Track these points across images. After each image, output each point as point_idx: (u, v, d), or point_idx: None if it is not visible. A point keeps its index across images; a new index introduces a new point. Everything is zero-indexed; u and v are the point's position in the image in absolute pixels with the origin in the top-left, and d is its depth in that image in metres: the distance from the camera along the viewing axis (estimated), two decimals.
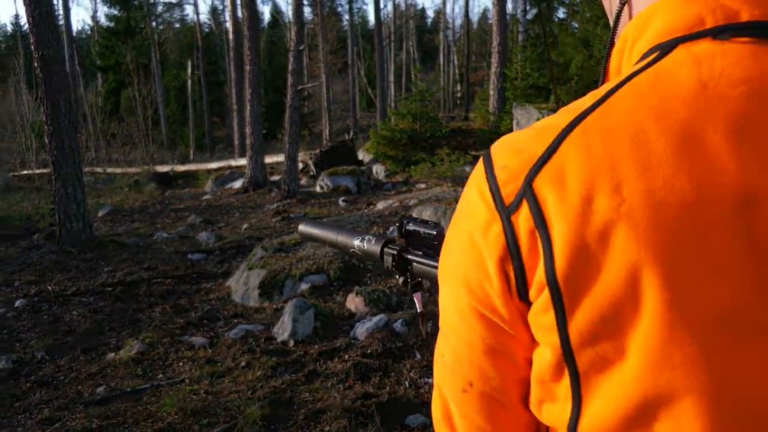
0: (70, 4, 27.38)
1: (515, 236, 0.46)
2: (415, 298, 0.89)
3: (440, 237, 0.81)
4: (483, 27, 48.67)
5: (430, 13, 65.48)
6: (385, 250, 0.90)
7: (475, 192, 0.50)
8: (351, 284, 4.91)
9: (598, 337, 0.44)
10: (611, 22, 0.56)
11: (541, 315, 0.46)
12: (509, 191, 0.47)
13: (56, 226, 6.60)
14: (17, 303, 5.13)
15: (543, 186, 0.45)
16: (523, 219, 0.46)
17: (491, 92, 12.15)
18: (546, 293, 0.45)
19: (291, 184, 9.86)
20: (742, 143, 0.42)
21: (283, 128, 11.53)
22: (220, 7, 42.71)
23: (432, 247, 0.83)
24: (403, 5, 43.43)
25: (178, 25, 41.59)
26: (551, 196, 0.44)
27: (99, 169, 16.41)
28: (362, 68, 37.29)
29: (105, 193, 13.20)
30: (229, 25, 18.74)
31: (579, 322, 0.44)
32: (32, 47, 6.12)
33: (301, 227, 1.10)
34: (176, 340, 4.01)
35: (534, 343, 0.49)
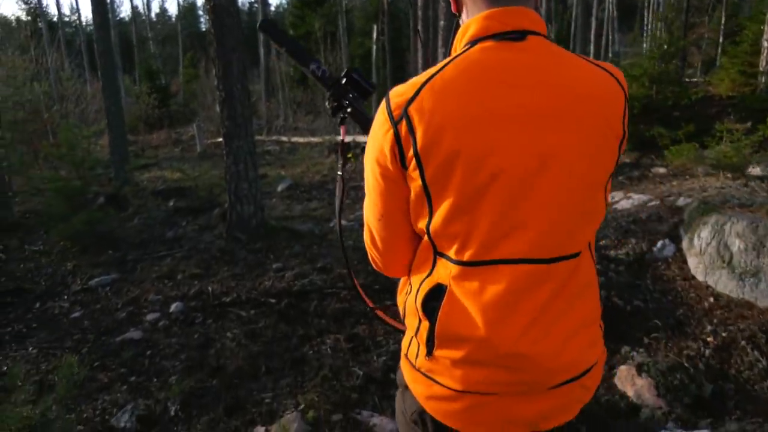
0: None
1: (398, 135, 0.94)
2: (341, 129, 1.32)
3: (370, 94, 1.32)
4: None
5: None
6: (336, 84, 1.31)
7: (381, 115, 0.97)
8: (615, 338, 3.15)
9: (438, 180, 0.94)
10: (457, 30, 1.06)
11: (413, 171, 0.95)
12: (396, 113, 0.95)
13: (227, 206, 5.73)
14: (173, 307, 4.24)
15: (412, 111, 0.93)
16: (403, 127, 0.94)
17: (766, 44, 8.90)
18: (414, 161, 0.94)
19: None
20: (499, 86, 0.93)
21: None
22: None
23: (365, 97, 1.31)
24: None
25: None
26: (416, 116, 0.93)
27: (284, 138, 16.28)
28: (552, 30, 33.73)
29: (287, 163, 12.78)
30: None
31: (429, 173, 0.94)
32: None
33: (261, 25, 1.38)
34: (350, 418, 2.62)
35: (409, 189, 0.99)
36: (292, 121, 20.09)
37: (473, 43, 0.97)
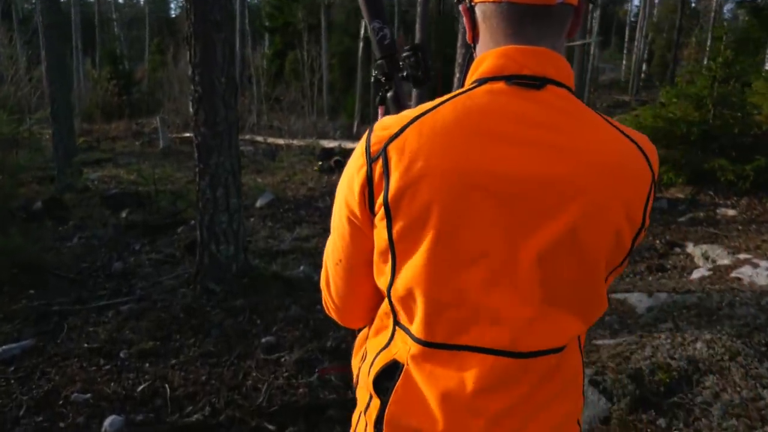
0: None
1: (372, 176, 0.80)
2: (379, 110, 1.18)
3: (423, 84, 1.15)
4: None
5: None
6: (392, 56, 1.16)
7: (360, 147, 0.83)
8: None
9: (405, 238, 0.79)
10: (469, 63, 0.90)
11: (379, 221, 0.81)
12: (375, 149, 0.80)
13: (198, 246, 4.14)
14: (107, 424, 2.67)
15: (392, 150, 0.78)
16: (378, 166, 0.79)
17: None
18: (382, 209, 0.79)
19: None
20: (499, 141, 0.77)
21: None
22: None
23: (417, 84, 1.14)
24: None
25: None
26: (395, 157, 0.78)
27: (260, 138, 14.61)
28: None
29: (265, 169, 11.15)
30: None
31: (397, 228, 0.79)
32: None
33: None
34: None
35: (373, 238, 0.84)
36: (267, 119, 18.41)
37: (482, 81, 0.82)
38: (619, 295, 3.61)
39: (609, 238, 0.80)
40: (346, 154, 13.09)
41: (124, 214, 7.22)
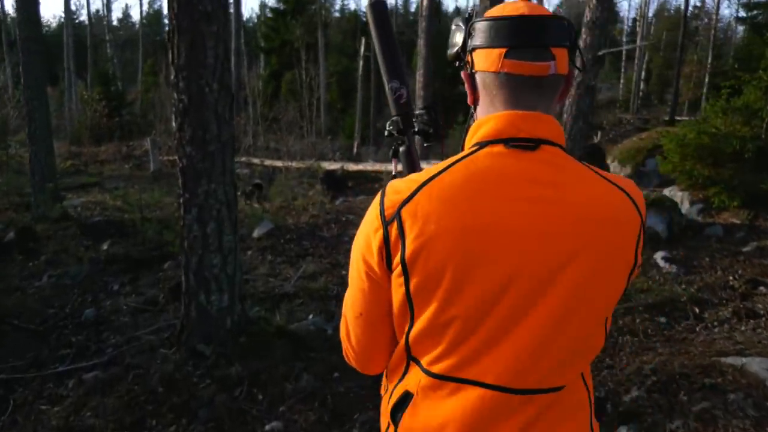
0: None
1: (388, 237, 0.86)
2: (393, 162, 1.22)
3: (433, 139, 1.22)
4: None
5: None
6: (408, 113, 1.22)
7: (375, 209, 0.90)
8: None
9: (422, 292, 0.86)
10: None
11: (396, 278, 0.87)
12: (389, 213, 0.87)
13: (183, 294, 3.29)
14: None
15: (405, 213, 0.85)
16: (393, 229, 0.86)
17: None
18: (399, 267, 0.86)
19: None
20: (503, 199, 0.85)
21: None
22: None
23: (427, 139, 1.21)
24: None
25: (338, 14, 39.80)
26: (409, 220, 0.85)
27: (256, 160, 13.82)
28: None
29: (262, 193, 10.33)
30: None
31: (414, 283, 0.86)
32: None
33: (374, 6, 1.21)
34: None
35: (391, 293, 0.91)
36: (264, 140, 17.63)
37: (482, 145, 0.90)
38: (732, 360, 2.78)
39: (610, 278, 0.89)
40: (349, 176, 12.30)
41: (105, 246, 6.37)
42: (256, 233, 6.83)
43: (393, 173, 1.18)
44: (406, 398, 0.94)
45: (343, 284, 4.91)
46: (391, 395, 0.98)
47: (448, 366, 0.89)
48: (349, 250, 0.98)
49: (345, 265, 5.87)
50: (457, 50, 0.95)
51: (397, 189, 0.89)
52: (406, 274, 0.86)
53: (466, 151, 0.91)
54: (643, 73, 32.91)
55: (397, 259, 0.86)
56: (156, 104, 19.70)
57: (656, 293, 4.29)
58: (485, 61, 0.90)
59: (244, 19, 41.05)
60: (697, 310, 3.93)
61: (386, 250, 0.87)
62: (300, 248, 6.30)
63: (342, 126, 23.68)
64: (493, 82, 0.90)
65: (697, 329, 3.67)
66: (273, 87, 25.27)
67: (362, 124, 21.46)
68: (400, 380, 0.96)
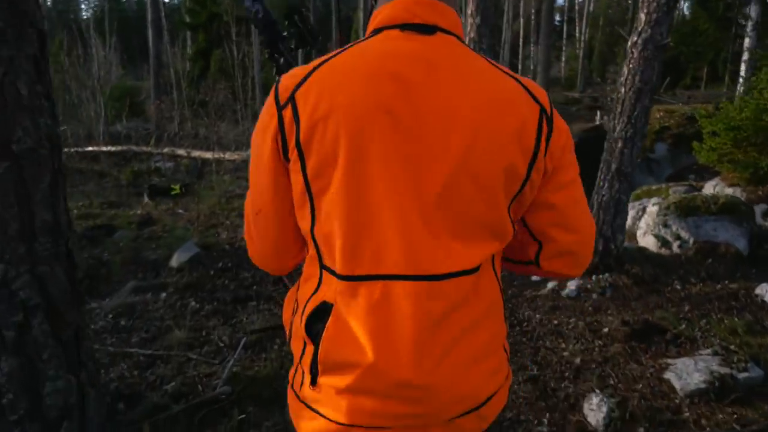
0: None
1: (283, 121, 0.84)
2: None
3: (309, 45, 1.25)
4: None
5: None
6: (270, 27, 1.21)
7: (270, 98, 0.87)
8: None
9: (319, 175, 0.83)
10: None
11: (294, 164, 0.84)
12: (283, 97, 0.85)
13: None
14: None
15: (299, 95, 0.83)
16: (288, 112, 0.84)
17: None
18: (296, 153, 0.84)
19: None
20: (393, 78, 0.83)
21: None
22: None
23: (304, 46, 1.23)
24: None
25: None
26: (301, 101, 0.83)
27: (181, 152, 11.60)
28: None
29: (188, 194, 8.27)
30: None
31: (310, 167, 0.83)
32: None
33: None
34: None
35: (290, 184, 0.87)
36: (190, 127, 15.30)
37: (378, 30, 0.91)
38: None
39: (501, 166, 0.86)
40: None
41: None
42: (175, 261, 4.86)
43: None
44: (323, 310, 0.88)
45: None
46: (303, 310, 0.92)
47: (360, 264, 0.85)
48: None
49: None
50: None
51: (291, 74, 0.88)
52: (302, 157, 0.84)
53: (365, 37, 0.93)
54: (586, 48, 32.26)
55: (292, 143, 0.85)
56: (58, 87, 16.87)
57: None
58: None
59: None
60: None
61: (282, 136, 0.86)
62: (238, 284, 4.40)
63: None
64: None
65: None
66: (201, 67, 22.70)
67: None
68: (314, 293, 0.91)
